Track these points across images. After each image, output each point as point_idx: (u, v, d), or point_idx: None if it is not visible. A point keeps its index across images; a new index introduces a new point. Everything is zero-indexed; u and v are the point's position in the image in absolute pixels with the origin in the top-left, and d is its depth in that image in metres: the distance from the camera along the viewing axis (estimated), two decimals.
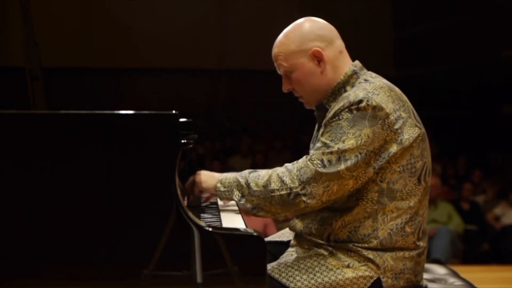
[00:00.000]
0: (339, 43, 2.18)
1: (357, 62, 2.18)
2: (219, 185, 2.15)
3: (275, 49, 2.17)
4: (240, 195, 2.08)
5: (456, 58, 10.72)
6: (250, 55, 11.56)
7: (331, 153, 1.98)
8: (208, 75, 12.52)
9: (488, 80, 10.13)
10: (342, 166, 1.97)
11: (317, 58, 2.12)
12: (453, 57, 10.79)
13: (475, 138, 10.38)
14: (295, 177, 1.99)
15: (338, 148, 1.98)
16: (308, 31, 2.14)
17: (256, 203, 2.05)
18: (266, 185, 2.03)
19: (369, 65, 2.26)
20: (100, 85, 11.96)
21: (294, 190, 1.99)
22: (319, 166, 1.98)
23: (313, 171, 1.98)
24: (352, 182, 1.99)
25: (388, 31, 12.83)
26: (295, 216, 2.24)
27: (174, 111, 1.87)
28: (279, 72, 2.20)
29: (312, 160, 2.00)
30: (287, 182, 2.00)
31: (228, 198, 2.14)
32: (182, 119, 2.10)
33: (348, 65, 2.16)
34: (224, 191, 2.14)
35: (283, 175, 2.02)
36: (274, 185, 2.01)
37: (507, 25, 9.56)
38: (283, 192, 2.00)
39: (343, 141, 1.98)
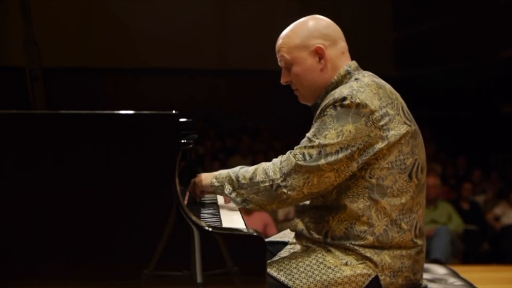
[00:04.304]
0: (343, 44, 2.20)
1: (352, 62, 2.20)
2: (214, 180, 2.22)
3: (279, 41, 2.21)
4: (231, 189, 2.15)
5: (456, 58, 10.73)
6: (250, 55, 11.58)
7: (312, 147, 2.03)
8: (208, 75, 12.52)
9: (488, 80, 10.14)
10: (322, 161, 2.01)
11: (319, 55, 2.15)
12: (453, 57, 10.79)
13: (475, 138, 10.38)
14: (277, 169, 2.05)
15: (319, 143, 2.02)
16: (314, 28, 2.17)
17: (245, 196, 2.11)
18: (252, 178, 2.09)
19: (369, 65, 2.27)
20: (100, 85, 11.96)
21: (276, 182, 2.04)
22: (300, 159, 2.03)
23: (294, 164, 2.02)
24: (333, 175, 2.02)
25: (388, 31, 12.85)
26: (296, 216, 2.26)
27: (174, 111, 1.87)
28: (279, 64, 2.23)
29: (294, 154, 2.05)
30: (270, 174, 2.06)
31: (222, 192, 2.21)
32: (182, 119, 2.10)
33: (344, 66, 2.17)
34: (218, 186, 2.20)
35: (267, 168, 2.08)
36: (259, 177, 2.07)
37: (507, 25, 9.56)
38: (266, 184, 2.06)
39: (325, 136, 2.02)
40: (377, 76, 2.17)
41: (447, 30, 11.02)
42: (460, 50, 10.60)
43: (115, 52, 11.78)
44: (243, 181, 2.11)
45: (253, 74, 12.04)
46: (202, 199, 2.56)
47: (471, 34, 10.27)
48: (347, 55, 2.21)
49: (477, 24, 10.21)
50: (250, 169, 2.13)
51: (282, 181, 2.03)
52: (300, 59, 2.17)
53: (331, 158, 2.00)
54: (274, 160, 2.11)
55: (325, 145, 2.01)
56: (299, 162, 2.02)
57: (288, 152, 2.08)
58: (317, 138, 2.03)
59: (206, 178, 2.27)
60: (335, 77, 2.16)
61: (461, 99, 10.74)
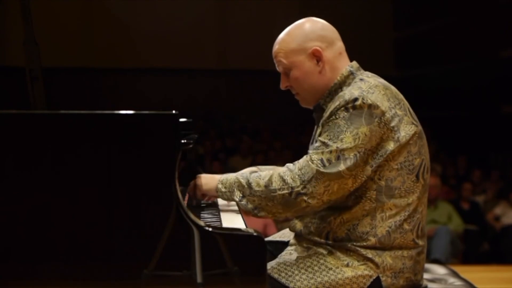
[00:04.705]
0: (340, 44, 2.19)
1: (354, 62, 2.19)
2: (220, 186, 2.14)
3: (276, 46, 2.19)
4: (241, 195, 2.07)
5: (456, 58, 10.72)
6: (250, 55, 11.56)
7: (330, 152, 1.99)
8: (208, 75, 12.52)
9: (488, 80, 10.14)
10: (342, 166, 1.97)
11: (317, 57, 2.14)
12: (453, 57, 10.79)
13: (475, 138, 10.38)
14: (297, 177, 2.00)
15: (337, 147, 1.99)
16: (310, 30, 2.15)
17: (257, 203, 2.04)
18: (267, 185, 2.02)
19: (369, 65, 2.27)
20: (100, 85, 11.96)
21: (296, 190, 1.99)
22: (320, 165, 1.98)
23: (314, 171, 1.98)
24: (351, 181, 2.00)
25: (388, 31, 12.84)
26: (295, 217, 2.24)
27: (174, 111, 1.87)
28: (278, 69, 2.21)
29: (312, 160, 2.00)
30: (289, 182, 2.00)
31: (230, 199, 2.13)
32: (182, 119, 2.10)
33: (346, 66, 2.16)
34: (225, 191, 2.12)
35: (284, 174, 2.02)
36: (276, 185, 2.01)
37: (507, 25, 9.56)
38: (284, 192, 2.00)
39: (341, 140, 1.99)
40: (379, 77, 2.17)
41: (447, 30, 11.02)
42: (460, 50, 10.59)
43: (115, 52, 11.77)
44: (256, 188, 2.03)
45: (253, 74, 12.02)
46: (203, 201, 2.56)
47: (471, 34, 10.26)
48: (345, 55, 2.20)
49: (477, 24, 10.20)
50: (264, 175, 2.05)
51: (302, 189, 1.98)
52: (298, 63, 2.14)
53: (350, 163, 1.97)
54: (290, 166, 2.05)
55: (343, 150, 1.98)
56: (320, 169, 1.97)
57: (304, 158, 2.03)
58: (334, 142, 1.99)
59: (209, 182, 2.19)
60: (338, 78, 2.14)
61: (461, 99, 10.74)
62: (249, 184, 2.06)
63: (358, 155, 1.98)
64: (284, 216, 2.07)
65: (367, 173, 2.01)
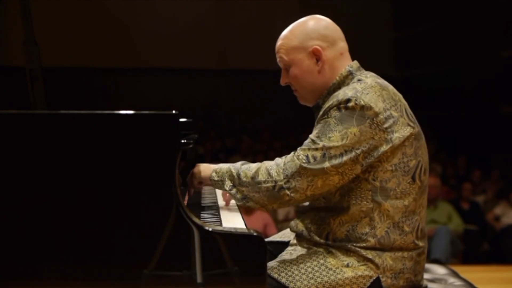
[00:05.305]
0: (342, 45, 2.19)
1: (354, 62, 2.19)
2: (213, 174, 2.18)
3: (278, 42, 2.21)
4: (231, 184, 2.12)
5: (456, 58, 10.73)
6: (250, 55, 11.58)
7: (316, 149, 2.01)
8: (208, 75, 12.53)
9: (488, 80, 10.14)
10: (327, 164, 1.99)
11: (316, 56, 2.14)
12: (453, 57, 10.80)
13: (475, 138, 10.38)
14: (281, 171, 2.03)
15: (324, 145, 2.00)
16: (312, 29, 2.16)
17: (245, 194, 2.09)
18: (254, 177, 2.07)
19: (369, 65, 2.26)
20: (100, 85, 11.96)
21: (279, 183, 2.02)
22: (304, 161, 2.01)
23: (298, 166, 2.01)
24: (338, 178, 2.01)
25: (388, 31, 12.85)
26: (296, 217, 2.26)
27: (174, 111, 1.87)
28: (279, 64, 2.23)
29: (298, 155, 2.03)
30: (273, 175, 2.04)
31: (221, 187, 2.18)
32: (182, 119, 2.10)
33: (345, 66, 2.16)
34: (217, 180, 2.17)
35: (270, 168, 2.06)
36: (261, 177, 2.05)
37: (507, 25, 9.56)
38: (268, 185, 2.04)
39: (329, 138, 2.01)
40: (379, 77, 2.17)
41: (447, 30, 11.02)
42: (460, 50, 10.60)
43: (115, 52, 11.78)
44: (244, 179, 2.08)
45: (253, 74, 12.04)
46: (203, 201, 2.56)
47: (471, 34, 10.27)
48: (347, 55, 2.20)
49: (477, 24, 10.21)
50: (253, 167, 2.10)
51: (285, 183, 2.01)
52: (297, 61, 2.16)
53: (335, 161, 1.99)
54: (278, 160, 2.08)
55: (330, 148, 1.99)
56: (304, 165, 2.00)
57: (291, 153, 2.06)
58: (321, 140, 2.01)
59: (205, 170, 2.22)
60: (337, 78, 2.15)
61: (461, 99, 10.75)
62: (238, 175, 2.11)
63: (344, 154, 1.99)
64: (271, 208, 2.10)
65: (356, 171, 2.02)
